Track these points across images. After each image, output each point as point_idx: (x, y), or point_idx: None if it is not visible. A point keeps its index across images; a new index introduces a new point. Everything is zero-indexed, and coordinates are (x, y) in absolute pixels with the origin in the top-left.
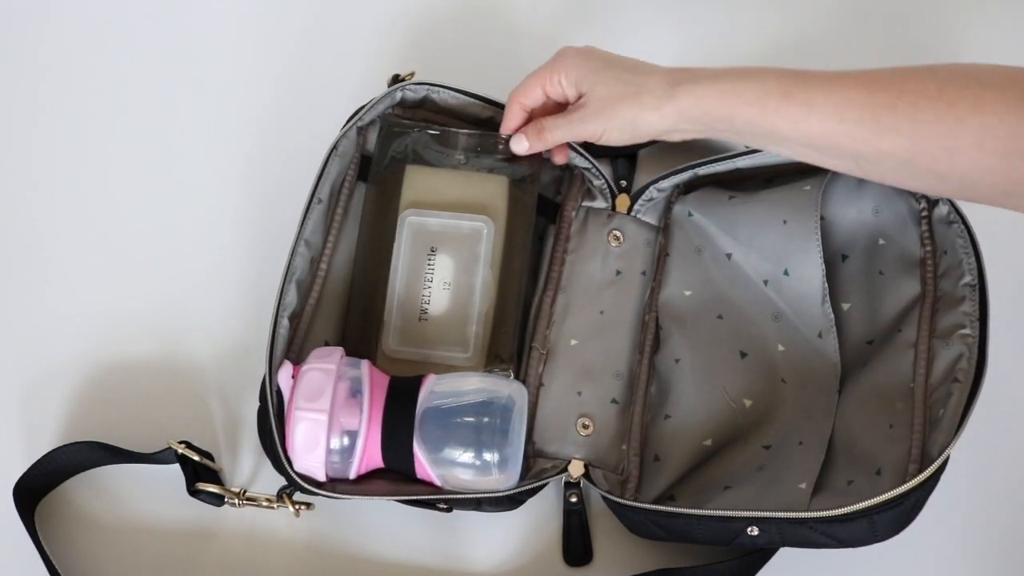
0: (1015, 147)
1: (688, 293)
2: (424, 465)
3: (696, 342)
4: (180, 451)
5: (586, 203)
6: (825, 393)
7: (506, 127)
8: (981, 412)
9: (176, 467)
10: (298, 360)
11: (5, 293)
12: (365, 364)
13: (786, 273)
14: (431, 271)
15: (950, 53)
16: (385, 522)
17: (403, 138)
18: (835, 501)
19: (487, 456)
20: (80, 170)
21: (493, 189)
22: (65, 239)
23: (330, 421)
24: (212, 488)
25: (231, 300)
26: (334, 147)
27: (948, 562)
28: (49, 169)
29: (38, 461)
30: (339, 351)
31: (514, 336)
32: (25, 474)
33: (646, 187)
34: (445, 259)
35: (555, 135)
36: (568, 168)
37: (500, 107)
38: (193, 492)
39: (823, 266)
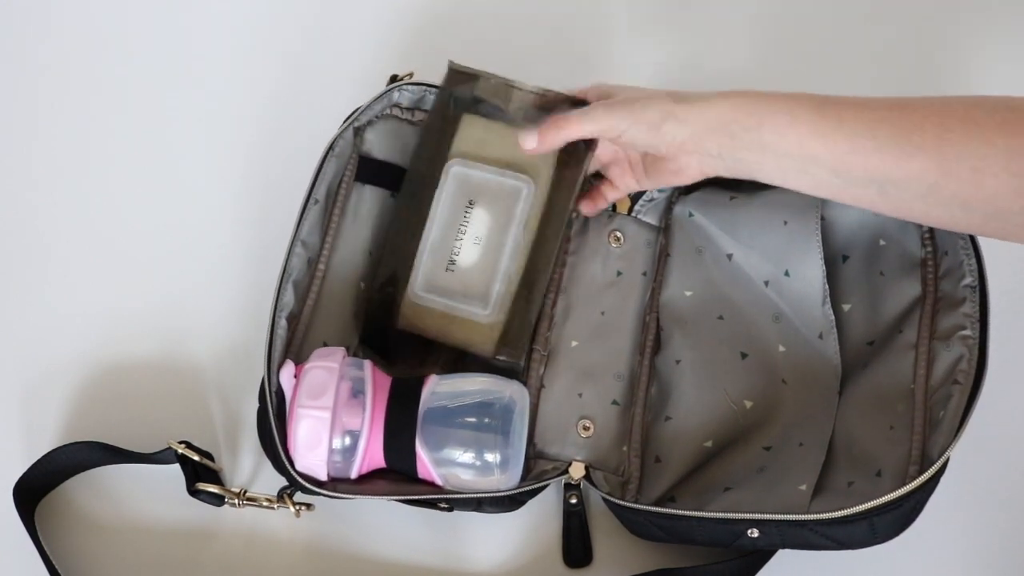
0: None
1: (689, 294)
2: (426, 465)
3: (697, 343)
4: (180, 451)
5: None
6: (825, 394)
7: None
8: (981, 414)
9: (176, 467)
10: (298, 361)
11: (5, 293)
12: (367, 364)
13: (787, 274)
14: (466, 224)
15: (951, 53)
16: (385, 522)
17: (468, 84)
18: (835, 503)
19: (488, 457)
20: (80, 170)
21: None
22: (65, 239)
23: (333, 419)
24: (212, 488)
25: (231, 300)
26: (331, 147)
27: (948, 564)
28: (49, 169)
29: (38, 461)
30: (341, 351)
31: (536, 305)
32: (25, 474)
33: None
34: (481, 213)
35: (573, 126)
36: None
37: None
38: (193, 492)
39: (824, 267)
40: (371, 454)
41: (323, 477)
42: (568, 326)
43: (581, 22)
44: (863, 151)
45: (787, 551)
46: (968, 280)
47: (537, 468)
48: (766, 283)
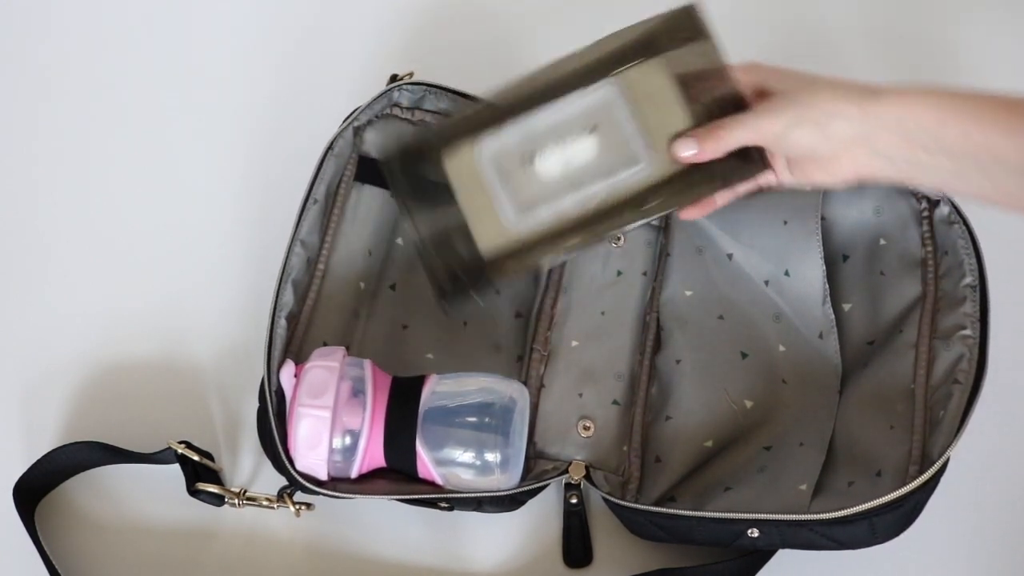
0: None
1: (689, 293)
2: (427, 464)
3: (697, 342)
4: (180, 451)
5: None
6: (826, 394)
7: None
8: (981, 413)
9: (176, 467)
10: (298, 360)
11: (5, 293)
12: (367, 364)
13: (787, 274)
14: (571, 140)
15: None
16: (385, 522)
17: (694, 41)
18: (835, 503)
19: (488, 456)
20: (80, 170)
21: None
22: (65, 239)
23: (333, 419)
24: (212, 488)
25: (231, 300)
26: (330, 147)
27: (948, 564)
28: (49, 169)
29: (38, 461)
30: (341, 351)
31: (550, 257)
32: (25, 474)
33: None
34: (590, 146)
35: (734, 134)
36: None
37: None
38: (193, 492)
39: (824, 266)
40: (371, 453)
41: (323, 477)
42: (568, 326)
43: (582, 23)
44: None
45: (787, 551)
46: (968, 280)
47: (537, 468)
48: (766, 283)
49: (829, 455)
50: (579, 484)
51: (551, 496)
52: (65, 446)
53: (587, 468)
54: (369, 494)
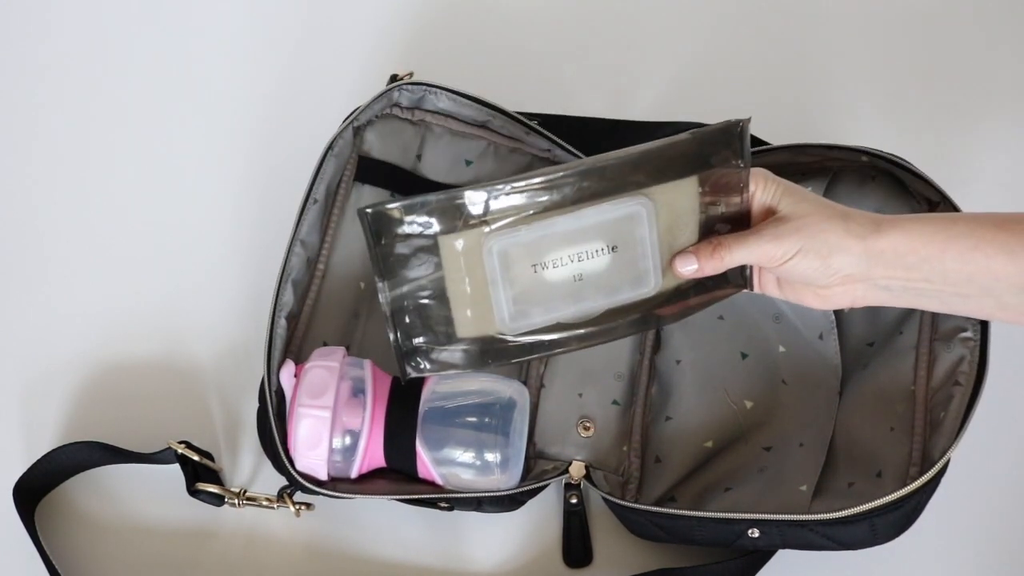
0: None
1: None
2: (427, 464)
3: (697, 343)
4: (180, 451)
5: None
6: (826, 395)
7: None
8: (981, 415)
9: (176, 467)
10: (298, 360)
11: (5, 293)
12: (367, 364)
13: None
14: (587, 254)
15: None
16: (385, 522)
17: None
18: (836, 503)
19: (488, 456)
20: (80, 171)
21: None
22: (65, 239)
23: (333, 419)
24: (212, 488)
25: (231, 300)
26: (330, 147)
27: (949, 565)
28: (49, 169)
29: (38, 461)
30: (341, 351)
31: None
32: (25, 474)
33: None
34: (606, 263)
35: (736, 255)
36: None
37: (496, 110)
38: (193, 492)
39: None
40: (371, 453)
41: (323, 476)
42: None
43: (582, 23)
44: None
45: (787, 551)
46: None
47: (537, 468)
48: None
49: (829, 456)
50: (579, 484)
51: (551, 496)
52: (65, 446)
53: (587, 468)
54: (369, 494)
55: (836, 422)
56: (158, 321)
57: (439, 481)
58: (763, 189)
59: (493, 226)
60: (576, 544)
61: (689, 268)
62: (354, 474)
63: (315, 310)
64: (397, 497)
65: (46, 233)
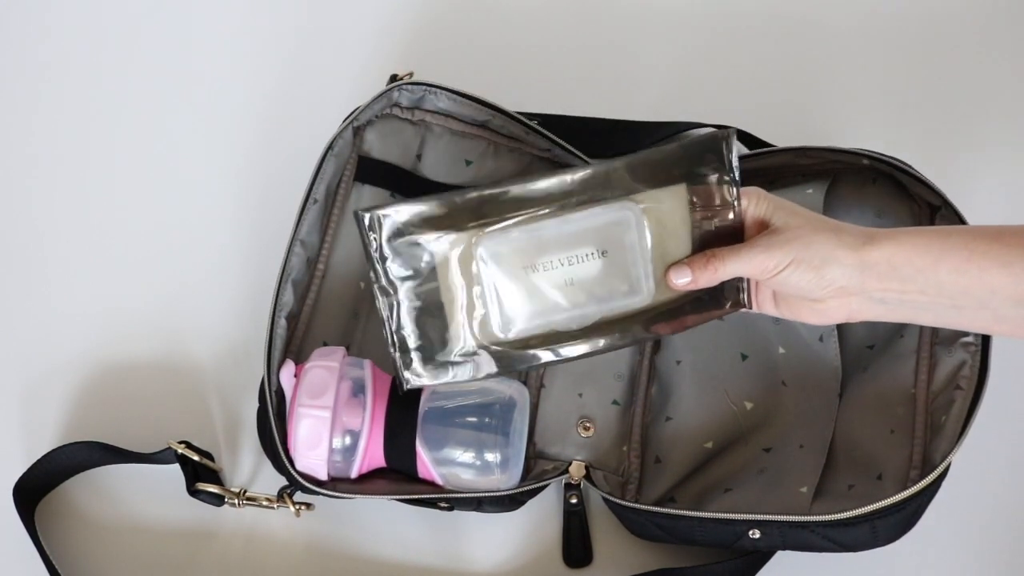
0: None
1: None
2: (427, 464)
3: (697, 344)
4: (180, 451)
5: None
6: (826, 396)
7: None
8: (982, 418)
9: (176, 467)
10: (298, 360)
11: (5, 293)
12: (367, 364)
13: None
14: (578, 258)
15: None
16: (385, 522)
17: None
18: (836, 505)
19: (488, 456)
20: (80, 171)
21: None
22: (65, 239)
23: (333, 419)
24: (212, 488)
25: (231, 300)
26: (329, 147)
27: (949, 567)
28: (49, 169)
29: (38, 461)
30: (341, 351)
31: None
32: (25, 474)
33: None
34: (597, 267)
35: (729, 267)
36: None
37: (496, 109)
38: (193, 492)
39: None
40: (371, 453)
41: (323, 476)
42: None
43: (582, 22)
44: None
45: (786, 552)
46: None
47: (537, 468)
48: None
49: (829, 458)
50: (579, 484)
51: (551, 496)
52: (65, 446)
53: (587, 468)
54: (369, 494)
55: (836, 424)
56: (158, 321)
57: (439, 481)
58: (756, 204)
59: (485, 229)
60: (576, 544)
61: (683, 280)
62: (354, 474)
63: (315, 310)
64: (397, 497)
65: (46, 233)
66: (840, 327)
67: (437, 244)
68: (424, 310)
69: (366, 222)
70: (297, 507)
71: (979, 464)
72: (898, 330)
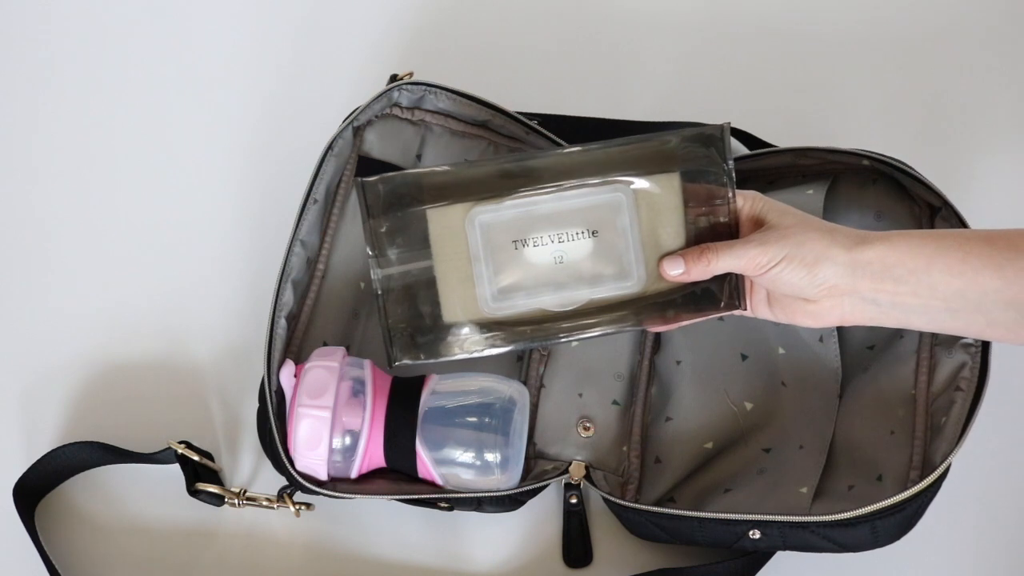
0: None
1: None
2: (427, 465)
3: (697, 344)
4: (180, 451)
5: None
6: (826, 397)
7: None
8: (982, 420)
9: (176, 467)
10: (298, 360)
11: (6, 293)
12: (367, 364)
13: None
14: (568, 236)
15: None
16: (385, 522)
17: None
18: (836, 506)
19: (488, 456)
20: (80, 171)
21: None
22: (65, 239)
23: (333, 419)
24: (212, 488)
25: (231, 300)
26: (329, 147)
27: (949, 568)
28: (49, 170)
29: (38, 461)
30: (341, 351)
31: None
32: (25, 474)
33: None
34: (588, 247)
35: (722, 260)
36: None
37: (496, 109)
38: (193, 492)
39: None
40: (371, 454)
41: (323, 477)
42: None
43: (582, 22)
44: None
45: (785, 552)
46: None
47: (537, 468)
48: None
49: (829, 458)
50: (579, 484)
51: (551, 496)
52: (65, 446)
53: (587, 468)
54: (369, 494)
55: (836, 425)
56: (158, 321)
57: (439, 481)
58: (752, 203)
59: (479, 203)
60: (576, 544)
61: (676, 271)
62: (354, 474)
63: (315, 310)
64: (397, 497)
65: (46, 233)
66: (840, 328)
67: (432, 214)
68: (416, 285)
69: (364, 190)
70: (297, 507)
71: (979, 465)
72: (898, 331)
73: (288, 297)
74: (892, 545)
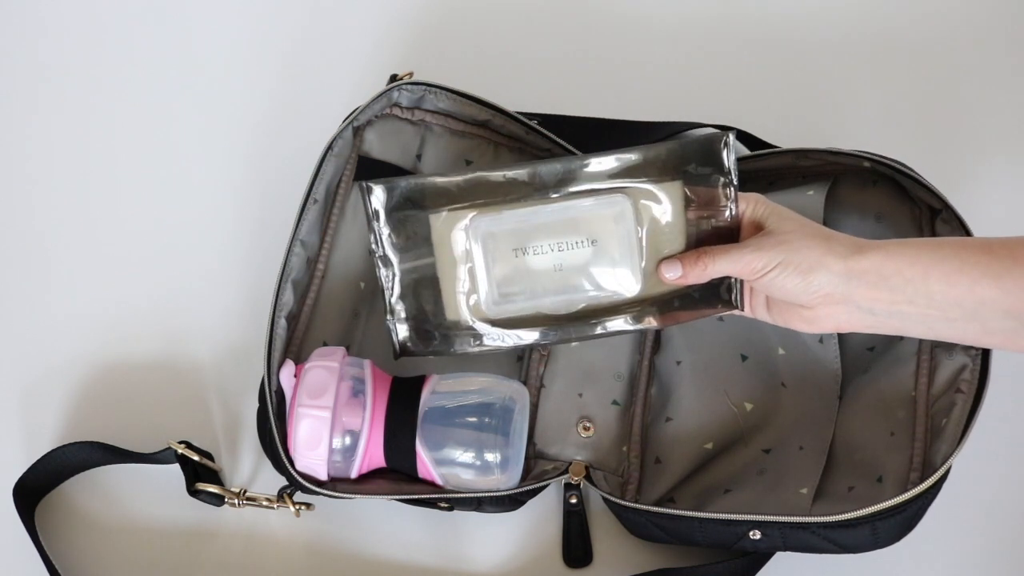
0: None
1: None
2: (427, 465)
3: (697, 344)
4: (180, 451)
5: None
6: (825, 398)
7: None
8: (982, 421)
9: (176, 467)
10: (297, 360)
11: (5, 293)
12: (367, 364)
13: None
14: (568, 245)
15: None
16: (385, 522)
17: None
18: (836, 507)
19: (488, 456)
20: (80, 170)
21: None
22: (65, 240)
23: (333, 419)
24: (212, 488)
25: (231, 300)
26: (329, 147)
27: (949, 569)
28: (48, 170)
29: (38, 461)
30: (341, 351)
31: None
32: (25, 474)
33: None
34: (587, 255)
35: (719, 265)
36: None
37: (496, 109)
38: (193, 492)
39: None
40: (371, 454)
41: (323, 477)
42: None
43: (582, 22)
44: None
45: (785, 552)
46: None
47: (537, 468)
48: None
49: (829, 460)
50: (579, 484)
51: (551, 496)
52: (65, 446)
53: (587, 468)
54: (369, 494)
55: (836, 426)
56: (158, 321)
57: (439, 481)
58: (753, 208)
59: (481, 210)
60: (576, 544)
61: (673, 274)
62: (354, 474)
63: (315, 310)
64: (397, 497)
65: (46, 233)
66: None
67: (435, 220)
68: (420, 282)
69: (369, 194)
70: (297, 507)
71: (979, 467)
72: None
73: (288, 297)
74: (892, 546)
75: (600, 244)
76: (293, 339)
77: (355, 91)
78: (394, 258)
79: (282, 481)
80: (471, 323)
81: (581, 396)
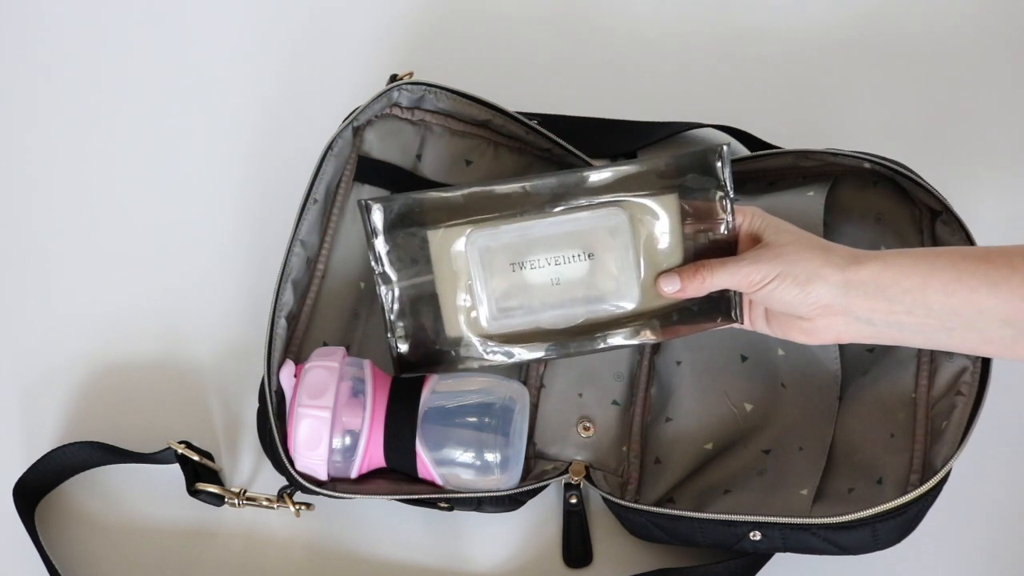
0: None
1: None
2: (427, 465)
3: (697, 344)
4: (180, 451)
5: None
6: (825, 399)
7: None
8: (982, 423)
9: (176, 467)
10: (297, 360)
11: (5, 293)
12: (367, 364)
13: None
14: (565, 259)
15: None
16: (385, 522)
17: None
18: (836, 508)
19: (488, 456)
20: (80, 170)
21: None
22: (65, 239)
23: (333, 419)
24: (212, 488)
25: (231, 300)
26: (329, 147)
27: (949, 571)
28: (48, 170)
29: (38, 461)
30: (341, 351)
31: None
32: (25, 474)
33: None
34: (583, 269)
35: (717, 278)
36: None
37: (496, 109)
38: (193, 492)
39: None
40: (371, 454)
41: (323, 477)
42: None
43: (582, 22)
44: None
45: (785, 553)
46: None
47: (537, 468)
48: None
49: (829, 461)
50: (579, 484)
51: (551, 496)
52: (65, 446)
53: (587, 468)
54: (369, 494)
55: (836, 427)
56: (158, 321)
57: (439, 481)
58: (750, 221)
59: (477, 225)
60: (576, 544)
61: (672, 288)
62: (354, 474)
63: (315, 310)
64: (397, 497)
65: (46, 233)
66: None
67: (432, 236)
68: (419, 299)
69: (367, 211)
70: (297, 507)
71: (980, 469)
72: None
73: (288, 297)
74: (892, 548)
75: (597, 257)
76: (293, 339)
77: (355, 91)
78: (394, 275)
79: (282, 481)
80: (471, 339)
81: (581, 396)
